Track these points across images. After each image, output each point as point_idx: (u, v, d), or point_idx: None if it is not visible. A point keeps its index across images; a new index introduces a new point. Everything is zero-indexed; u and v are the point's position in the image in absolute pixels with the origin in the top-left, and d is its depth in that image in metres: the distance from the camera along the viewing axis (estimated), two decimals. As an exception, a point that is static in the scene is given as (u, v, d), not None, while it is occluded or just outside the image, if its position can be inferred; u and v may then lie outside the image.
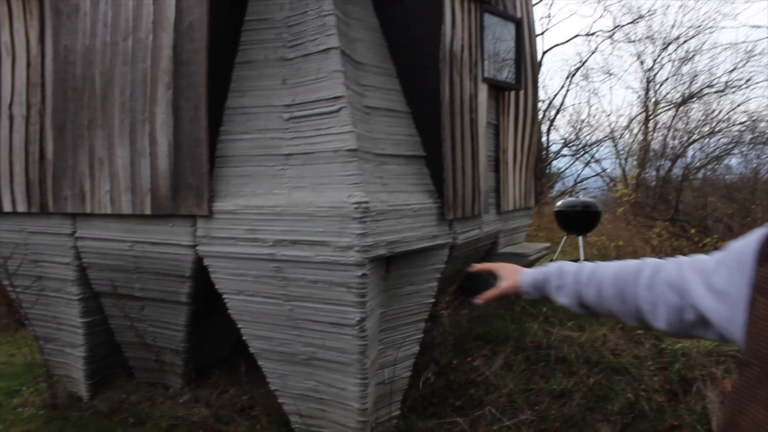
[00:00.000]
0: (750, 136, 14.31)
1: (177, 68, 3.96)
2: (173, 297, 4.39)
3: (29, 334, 5.93)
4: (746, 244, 1.04)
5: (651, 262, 1.30)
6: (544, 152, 19.27)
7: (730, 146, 14.54)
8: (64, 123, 4.47)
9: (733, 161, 14.71)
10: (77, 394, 4.92)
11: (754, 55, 22.28)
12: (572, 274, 1.45)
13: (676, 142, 15.25)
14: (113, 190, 4.27)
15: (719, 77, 19.74)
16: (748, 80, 17.42)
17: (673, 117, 16.23)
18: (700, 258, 1.21)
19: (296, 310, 3.68)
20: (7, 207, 4.83)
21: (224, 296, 3.96)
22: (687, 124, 15.79)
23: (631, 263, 1.34)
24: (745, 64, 21.06)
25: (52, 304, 4.90)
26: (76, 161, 4.44)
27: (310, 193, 3.60)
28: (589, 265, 1.45)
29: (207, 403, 4.49)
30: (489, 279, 1.70)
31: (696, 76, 16.73)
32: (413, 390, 4.28)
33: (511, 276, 1.59)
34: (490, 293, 1.60)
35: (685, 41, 20.40)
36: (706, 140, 14.45)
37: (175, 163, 3.99)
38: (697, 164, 14.61)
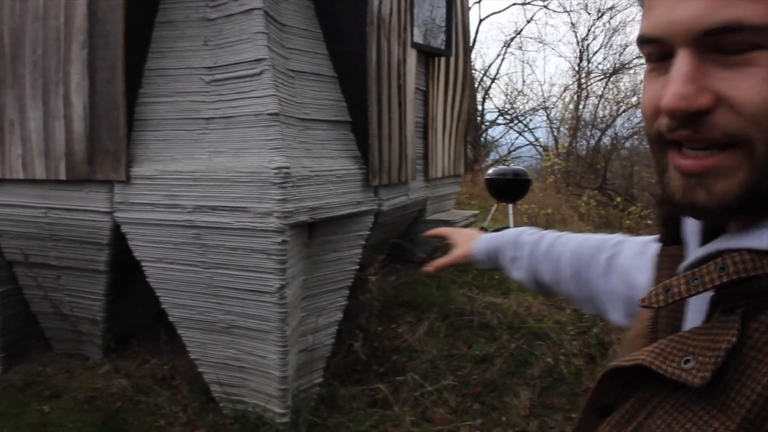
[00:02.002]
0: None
1: (92, 27, 3.78)
2: (91, 265, 4.24)
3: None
4: None
5: (613, 240, 1.14)
6: (479, 121, 19.47)
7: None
8: (-29, 82, 4.23)
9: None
10: (-10, 367, 4.73)
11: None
12: (528, 246, 1.27)
13: (606, 112, 15.65)
14: (25, 154, 4.07)
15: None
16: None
17: (604, 87, 16.61)
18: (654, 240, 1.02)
19: (216, 277, 3.62)
20: None
21: (143, 264, 3.85)
22: (617, 94, 16.20)
23: (593, 239, 1.18)
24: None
25: (-39, 274, 4.68)
26: (-16, 123, 4.21)
27: (231, 158, 3.52)
28: (548, 236, 1.27)
29: (127, 374, 4.39)
30: (439, 244, 1.57)
31: (627, 46, 17.08)
32: (337, 357, 4.28)
33: (464, 243, 1.42)
34: (441, 261, 1.44)
35: (619, 11, 20.82)
36: (634, 111, 14.86)
37: (91, 126, 3.83)
38: (626, 134, 15.05)
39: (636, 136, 14.74)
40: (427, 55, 5.16)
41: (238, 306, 3.60)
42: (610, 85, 16.61)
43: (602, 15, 18.17)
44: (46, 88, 3.96)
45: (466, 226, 5.68)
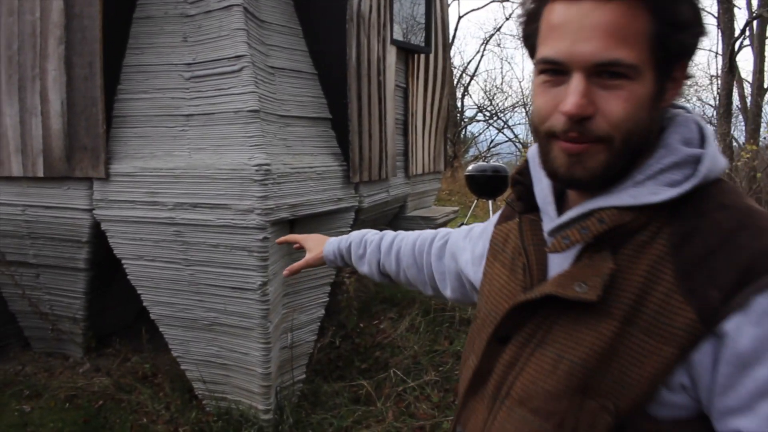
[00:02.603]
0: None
1: (69, 21, 3.74)
2: (70, 263, 4.21)
3: None
4: (501, 210, 1.20)
5: (443, 231, 1.41)
6: (458, 117, 19.52)
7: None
8: (-55, 78, 4.16)
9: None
10: (-32, 367, 4.68)
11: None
12: (374, 243, 1.51)
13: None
14: (1, 151, 4.02)
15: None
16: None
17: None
18: (479, 225, 1.31)
19: (197, 274, 3.60)
20: None
21: (123, 262, 3.82)
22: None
23: (428, 233, 1.44)
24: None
25: (-63, 273, 4.61)
26: (-41, 120, 4.15)
27: (211, 155, 3.51)
28: (390, 234, 1.52)
29: (108, 372, 4.36)
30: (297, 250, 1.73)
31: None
32: (319, 354, 4.29)
33: (316, 246, 1.63)
34: (295, 265, 1.62)
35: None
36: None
37: (69, 122, 3.79)
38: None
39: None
40: (407, 52, 5.16)
41: (220, 303, 3.59)
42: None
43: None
44: (22, 84, 3.91)
45: (446, 222, 5.71)
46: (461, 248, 1.29)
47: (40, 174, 3.90)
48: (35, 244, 4.21)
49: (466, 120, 20.37)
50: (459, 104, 20.23)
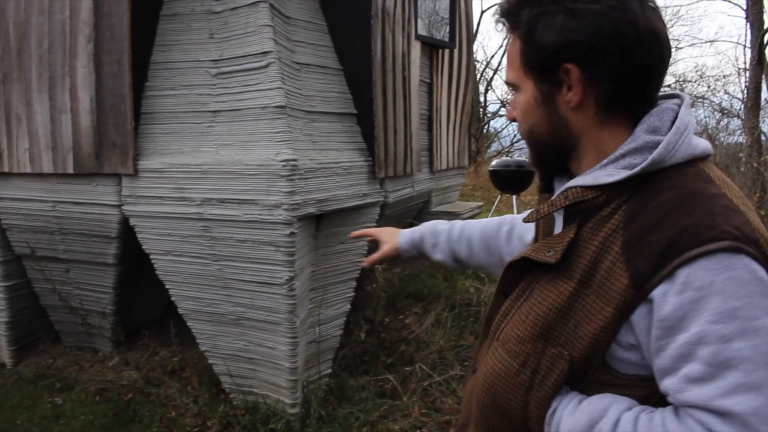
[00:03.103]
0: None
1: (98, 20, 3.79)
2: (100, 258, 4.26)
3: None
4: None
5: (509, 218, 1.58)
6: (481, 112, 19.41)
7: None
8: (-22, 77, 4.23)
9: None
10: (0, 361, 4.76)
11: (680, 17, 22.75)
12: (445, 233, 1.66)
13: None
14: (32, 148, 4.09)
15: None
16: (677, 41, 17.86)
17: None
18: None
19: (225, 269, 3.63)
20: None
21: (152, 257, 3.87)
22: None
23: (493, 220, 1.61)
24: (672, 27, 21.54)
25: (-29, 268, 4.70)
26: (-9, 117, 4.22)
27: (238, 150, 3.53)
28: (459, 223, 1.66)
29: (137, 366, 4.42)
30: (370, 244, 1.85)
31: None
32: (345, 348, 4.30)
33: (390, 239, 1.75)
34: (373, 256, 1.75)
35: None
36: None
37: (98, 119, 3.84)
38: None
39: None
40: (431, 47, 5.15)
41: (248, 298, 3.62)
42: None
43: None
44: (53, 82, 3.97)
45: (471, 217, 5.69)
46: (526, 229, 1.48)
47: (70, 170, 3.96)
48: (65, 239, 4.27)
49: (489, 115, 20.27)
50: (482, 99, 20.13)
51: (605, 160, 1.00)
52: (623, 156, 0.98)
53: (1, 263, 4.50)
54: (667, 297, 0.87)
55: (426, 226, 1.70)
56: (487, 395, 1.10)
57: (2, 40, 4.10)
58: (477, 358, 1.25)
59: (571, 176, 1.11)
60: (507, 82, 1.12)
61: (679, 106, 1.03)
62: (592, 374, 0.99)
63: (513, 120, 1.13)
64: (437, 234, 1.66)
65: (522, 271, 1.11)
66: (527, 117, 1.08)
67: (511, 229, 1.54)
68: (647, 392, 0.96)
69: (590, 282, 0.96)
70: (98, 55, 3.80)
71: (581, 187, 1.00)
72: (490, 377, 1.09)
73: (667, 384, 0.89)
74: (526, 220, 1.14)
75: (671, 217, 0.90)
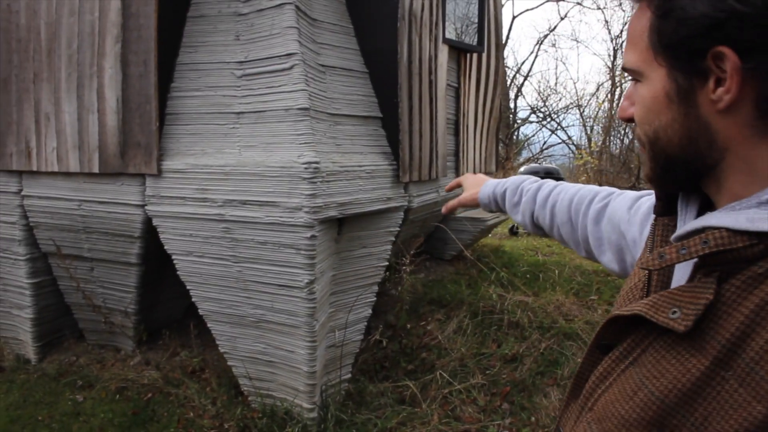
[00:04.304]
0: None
1: (126, 21, 3.82)
2: (123, 258, 4.29)
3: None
4: None
5: (605, 192, 1.28)
6: (511, 118, 19.29)
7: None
8: (9, 75, 4.29)
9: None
10: (25, 357, 4.81)
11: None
12: (530, 193, 1.43)
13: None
14: (60, 147, 4.13)
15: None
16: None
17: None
18: (647, 198, 1.17)
19: (245, 271, 3.62)
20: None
21: (173, 257, 3.87)
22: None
23: (588, 190, 1.32)
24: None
25: (-2, 265, 4.76)
26: (21, 116, 4.28)
27: (261, 152, 3.52)
28: (549, 184, 1.41)
29: (157, 366, 4.43)
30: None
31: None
32: (365, 353, 4.27)
33: (472, 187, 1.60)
34: (451, 203, 1.60)
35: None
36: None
37: (124, 119, 3.87)
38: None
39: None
40: (459, 51, 5.10)
41: (267, 300, 3.60)
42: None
43: (636, 11, 17.79)
44: (81, 81, 4.01)
45: (497, 224, 5.62)
46: (626, 221, 1.16)
47: (96, 170, 3.99)
48: (90, 238, 4.30)
49: (519, 121, 20.13)
50: (512, 105, 20.00)
51: (766, 195, 0.72)
52: None
53: (27, 260, 4.55)
54: None
55: (512, 181, 1.50)
56: None
57: (34, 40, 4.15)
58: (561, 420, 1.01)
59: (704, 196, 0.85)
60: (625, 68, 0.83)
61: None
62: None
63: (628, 120, 0.86)
64: (521, 192, 1.45)
65: (630, 324, 0.83)
66: (651, 117, 0.80)
67: (603, 207, 1.24)
68: None
69: (731, 363, 0.69)
70: (125, 56, 3.83)
71: (728, 230, 0.72)
72: None
73: None
74: (643, 266, 0.81)
75: None
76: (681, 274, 0.83)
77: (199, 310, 3.91)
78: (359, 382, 4.02)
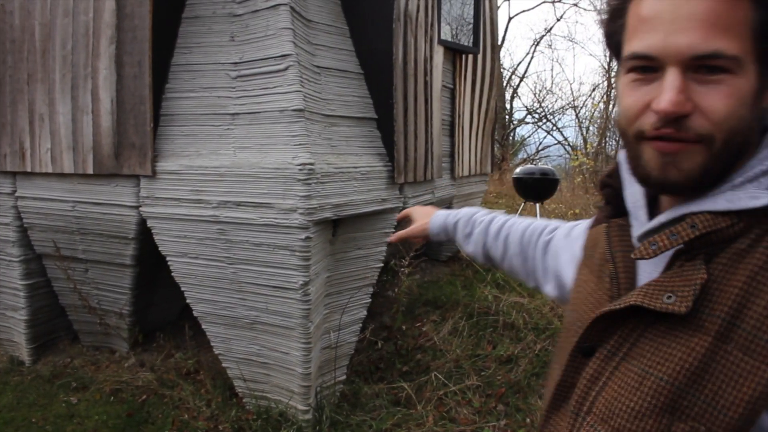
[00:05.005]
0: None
1: (120, 22, 3.81)
2: (117, 259, 4.28)
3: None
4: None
5: (553, 225, 1.34)
6: (507, 119, 19.31)
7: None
8: (3, 76, 4.28)
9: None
10: (19, 359, 4.80)
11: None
12: (483, 225, 1.46)
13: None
14: (54, 148, 4.12)
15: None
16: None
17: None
18: (582, 223, 1.22)
19: (240, 273, 3.61)
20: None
21: (168, 259, 3.86)
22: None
23: (536, 224, 1.37)
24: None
25: (-8, 266, 4.75)
26: (15, 117, 4.26)
27: (256, 153, 3.51)
28: (500, 218, 1.46)
29: (152, 368, 4.42)
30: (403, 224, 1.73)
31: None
32: (360, 355, 4.26)
33: (422, 218, 1.63)
34: (400, 233, 1.63)
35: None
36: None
37: (118, 120, 3.86)
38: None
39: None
40: (455, 52, 5.10)
41: (262, 302, 3.60)
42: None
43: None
44: (75, 82, 4.00)
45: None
46: (561, 247, 1.23)
47: (90, 171, 3.98)
48: (84, 239, 4.29)
49: (515, 122, 20.15)
50: (508, 106, 20.03)
51: (740, 178, 0.79)
52: (765, 173, 0.79)
53: (21, 262, 4.54)
54: None
55: (464, 213, 1.53)
56: None
57: (28, 41, 4.14)
58: None
59: (651, 194, 0.92)
60: (712, 54, 0.74)
61: None
62: None
63: (683, 115, 0.76)
64: (473, 224, 1.49)
65: (612, 323, 0.85)
66: (744, 111, 0.77)
67: (549, 240, 1.30)
68: None
69: (732, 335, 0.73)
70: (120, 57, 3.82)
71: (711, 213, 0.78)
72: None
73: None
74: (636, 257, 0.84)
75: None
76: (651, 267, 0.87)
77: (194, 312, 3.90)
78: (354, 384, 4.02)
